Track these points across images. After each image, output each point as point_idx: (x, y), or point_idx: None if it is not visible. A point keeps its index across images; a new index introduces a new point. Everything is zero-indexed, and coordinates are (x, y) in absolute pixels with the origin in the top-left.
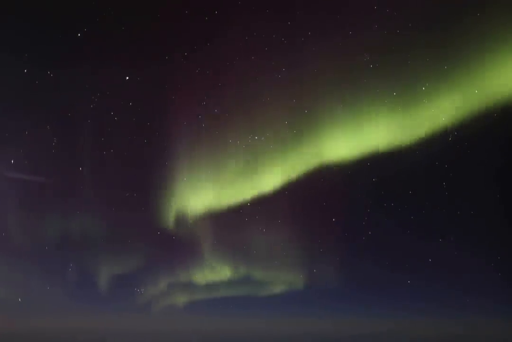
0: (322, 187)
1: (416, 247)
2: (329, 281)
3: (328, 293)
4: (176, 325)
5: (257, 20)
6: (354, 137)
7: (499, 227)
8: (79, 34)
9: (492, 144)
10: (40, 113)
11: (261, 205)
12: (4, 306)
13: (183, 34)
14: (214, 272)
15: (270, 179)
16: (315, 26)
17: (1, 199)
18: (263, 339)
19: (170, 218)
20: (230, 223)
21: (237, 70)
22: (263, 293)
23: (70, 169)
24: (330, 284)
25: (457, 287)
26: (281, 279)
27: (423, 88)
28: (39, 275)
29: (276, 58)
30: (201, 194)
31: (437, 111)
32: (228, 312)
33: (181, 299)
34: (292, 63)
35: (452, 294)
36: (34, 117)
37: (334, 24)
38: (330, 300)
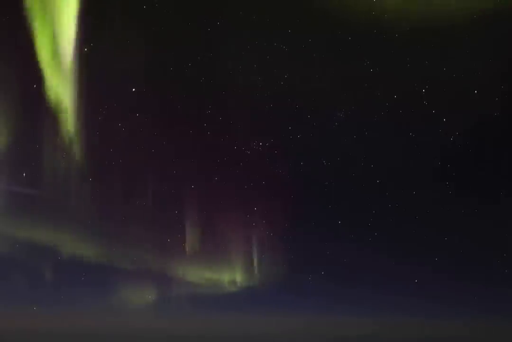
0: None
1: (422, 246)
2: (336, 282)
3: (334, 294)
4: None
5: (257, 27)
6: None
7: (503, 224)
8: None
9: (494, 143)
10: None
11: None
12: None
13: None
14: None
15: None
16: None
17: None
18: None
19: None
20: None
21: None
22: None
23: None
24: (338, 285)
25: (463, 285)
26: (289, 281)
27: None
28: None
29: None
30: None
31: None
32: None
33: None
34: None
35: (459, 293)
36: None
37: None
38: (334, 301)
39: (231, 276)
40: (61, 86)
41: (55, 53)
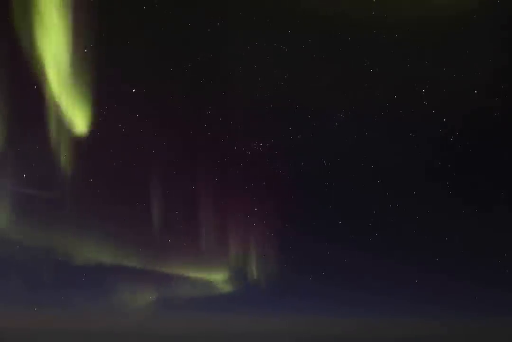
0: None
1: (423, 246)
2: (337, 282)
3: (334, 294)
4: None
5: (256, 28)
6: None
7: (504, 224)
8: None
9: (494, 143)
10: None
11: None
12: None
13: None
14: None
15: None
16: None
17: None
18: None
19: None
20: None
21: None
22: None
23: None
24: (338, 285)
25: (463, 285)
26: (290, 281)
27: None
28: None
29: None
30: None
31: None
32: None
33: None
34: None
35: (459, 293)
36: None
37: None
38: (334, 301)
39: (232, 276)
40: (61, 88)
41: (55, 54)
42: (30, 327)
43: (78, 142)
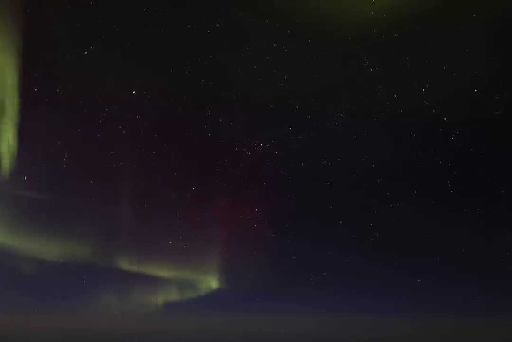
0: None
1: (424, 246)
2: (338, 283)
3: (335, 295)
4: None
5: (256, 29)
6: None
7: (505, 223)
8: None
9: (495, 142)
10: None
11: None
12: None
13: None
14: None
15: None
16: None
17: None
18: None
19: None
20: None
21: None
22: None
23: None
24: (340, 286)
25: (465, 285)
26: (290, 282)
27: None
28: None
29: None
30: None
31: None
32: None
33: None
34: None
35: (462, 293)
36: None
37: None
38: (336, 301)
39: (233, 277)
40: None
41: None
42: (31, 329)
43: (77, 143)
